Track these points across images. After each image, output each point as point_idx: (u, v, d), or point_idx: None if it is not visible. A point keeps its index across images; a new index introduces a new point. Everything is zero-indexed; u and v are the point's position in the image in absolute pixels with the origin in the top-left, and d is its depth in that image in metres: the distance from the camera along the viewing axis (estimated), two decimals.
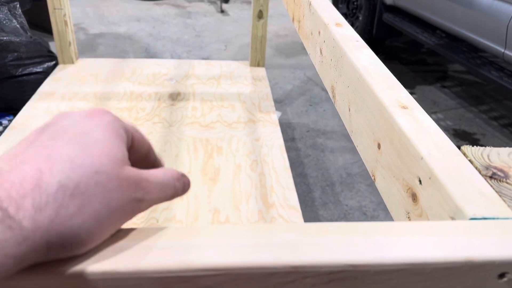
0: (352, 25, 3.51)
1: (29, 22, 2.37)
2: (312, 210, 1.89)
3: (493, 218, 0.27)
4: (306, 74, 3.18)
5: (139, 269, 0.22)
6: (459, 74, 3.27)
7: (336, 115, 2.65)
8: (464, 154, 0.32)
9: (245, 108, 1.85)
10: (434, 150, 0.33)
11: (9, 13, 2.12)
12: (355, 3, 3.42)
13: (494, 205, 0.28)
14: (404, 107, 0.39)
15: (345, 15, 3.62)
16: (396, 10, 2.97)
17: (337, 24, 0.60)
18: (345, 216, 1.86)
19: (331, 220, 1.83)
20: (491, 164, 0.32)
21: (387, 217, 1.87)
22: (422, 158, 0.32)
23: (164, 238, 0.25)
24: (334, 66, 0.55)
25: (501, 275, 0.25)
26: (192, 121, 1.74)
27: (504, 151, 0.33)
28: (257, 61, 2.26)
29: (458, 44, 2.50)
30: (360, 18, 3.33)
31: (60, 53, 2.16)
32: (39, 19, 3.22)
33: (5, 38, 2.03)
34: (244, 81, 2.12)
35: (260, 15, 2.16)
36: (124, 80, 2.06)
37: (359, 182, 2.07)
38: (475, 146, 0.33)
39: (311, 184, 2.04)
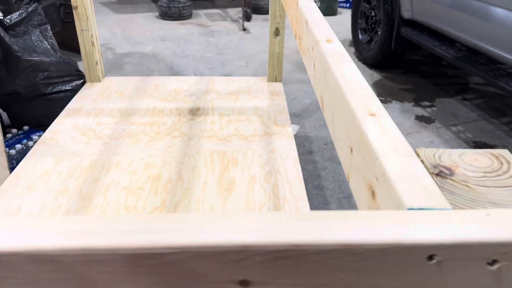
0: (371, 40, 3.54)
1: (59, 43, 2.51)
2: None
3: (429, 209, 0.30)
4: None
5: (113, 246, 0.27)
6: (480, 86, 3.24)
7: None
8: (418, 155, 0.35)
9: (261, 121, 1.90)
10: (390, 152, 0.37)
11: (40, 35, 2.26)
12: (374, 18, 3.45)
13: (433, 198, 0.31)
14: (372, 115, 0.43)
15: (364, 30, 3.65)
16: (414, 24, 2.98)
17: (328, 40, 0.64)
18: None
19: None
20: (440, 163, 0.35)
21: None
22: (377, 159, 0.35)
23: (138, 222, 0.30)
24: (323, 79, 0.60)
25: (430, 257, 0.28)
26: (210, 134, 1.80)
27: (456, 152, 0.36)
28: (275, 77, 2.32)
29: (476, 56, 2.49)
30: (379, 32, 3.36)
31: (88, 72, 2.28)
32: (69, 40, 3.39)
33: (36, 58, 2.16)
34: (262, 96, 2.17)
35: (277, 32, 2.22)
36: (147, 97, 2.15)
37: None
38: (429, 148, 0.36)
39: (328, 196, 2.06)
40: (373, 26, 3.49)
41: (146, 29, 4.60)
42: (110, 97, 2.14)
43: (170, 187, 1.49)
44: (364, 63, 3.67)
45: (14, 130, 2.16)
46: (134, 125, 1.88)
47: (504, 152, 0.37)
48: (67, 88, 2.31)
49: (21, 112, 2.23)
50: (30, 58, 2.14)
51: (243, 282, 0.29)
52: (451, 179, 0.33)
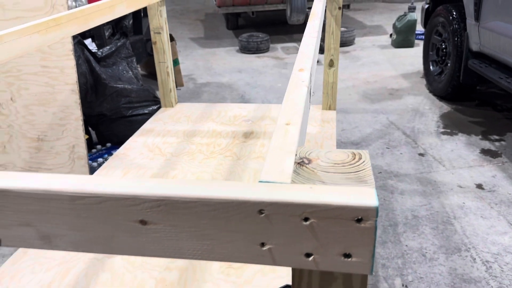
0: (442, 72, 3.49)
1: (148, 73, 2.88)
2: None
3: (272, 182, 0.43)
4: (389, 118, 3.24)
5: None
6: None
7: (412, 159, 2.66)
8: (296, 152, 0.47)
9: (307, 146, 2.03)
10: (278, 148, 0.50)
11: (126, 65, 2.64)
12: (445, 50, 3.42)
13: (281, 176, 0.44)
14: (288, 124, 0.56)
15: (435, 62, 3.62)
16: (482, 57, 2.91)
17: (300, 70, 0.78)
18: (402, 255, 1.88)
19: (388, 259, 1.87)
20: (306, 157, 0.47)
21: (447, 260, 1.83)
22: (268, 152, 0.49)
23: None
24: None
25: (260, 211, 0.41)
26: (258, 155, 1.97)
27: (325, 150, 0.48)
28: (329, 105, 2.43)
29: None
30: (449, 64, 3.31)
31: (163, 98, 2.59)
32: (153, 69, 3.83)
33: (121, 85, 2.52)
34: (313, 123, 2.30)
35: (331, 63, 2.35)
36: (210, 121, 2.39)
37: (424, 225, 2.07)
38: (308, 148, 0.48)
39: None
40: (443, 58, 3.45)
41: (226, 62, 4.97)
42: (179, 120, 2.42)
43: None
44: (434, 94, 3.62)
45: (99, 146, 2.51)
46: (194, 144, 2.11)
47: (364, 152, 0.48)
48: (145, 111, 2.64)
49: (106, 131, 2.60)
50: (116, 85, 2.51)
51: (142, 221, 0.44)
52: (306, 167, 0.45)
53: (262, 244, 0.43)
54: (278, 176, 0.44)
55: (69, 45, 2.13)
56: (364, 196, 0.40)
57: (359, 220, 0.40)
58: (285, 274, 1.31)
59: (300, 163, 0.46)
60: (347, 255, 0.42)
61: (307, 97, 0.68)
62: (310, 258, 0.42)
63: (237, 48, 5.50)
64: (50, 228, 0.45)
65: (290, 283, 1.26)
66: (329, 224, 0.40)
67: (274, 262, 0.44)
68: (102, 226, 0.44)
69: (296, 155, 0.48)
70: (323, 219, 0.40)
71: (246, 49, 5.24)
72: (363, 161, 0.46)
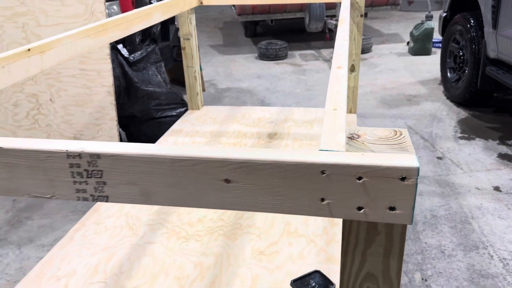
0: (459, 78, 3.56)
1: (170, 78, 3.02)
2: None
3: (331, 150, 0.53)
4: (407, 123, 3.32)
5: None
6: None
7: (430, 162, 2.73)
8: (346, 130, 0.58)
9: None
10: (331, 128, 0.60)
11: (156, 70, 2.78)
12: (462, 57, 3.49)
13: (337, 146, 0.54)
14: (335, 109, 0.67)
15: (453, 69, 3.69)
16: (499, 63, 2.98)
17: (338, 67, 0.89)
18: (422, 252, 1.96)
19: (408, 255, 1.95)
20: (355, 133, 0.57)
21: (465, 256, 1.91)
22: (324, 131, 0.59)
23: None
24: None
25: (322, 172, 0.52)
26: None
27: (371, 128, 0.58)
28: (349, 108, 2.53)
29: None
30: (466, 71, 3.39)
31: (190, 101, 2.72)
32: (177, 76, 3.98)
33: (151, 89, 2.66)
34: None
35: (352, 68, 2.45)
36: (235, 123, 2.50)
37: (443, 224, 2.14)
38: (357, 126, 0.58)
39: None
40: (461, 65, 3.53)
41: (245, 68, 5.11)
42: (205, 122, 2.54)
43: None
44: (452, 101, 3.69)
45: None
46: (221, 144, 2.23)
47: (404, 130, 0.58)
48: (173, 114, 2.77)
49: (136, 132, 2.73)
50: (146, 89, 2.65)
51: (226, 180, 0.55)
52: (356, 140, 0.55)
53: (322, 200, 0.54)
54: (335, 146, 0.55)
55: (106, 50, 2.27)
56: (407, 159, 0.50)
57: (403, 179, 0.50)
58: (312, 261, 1.41)
59: (351, 137, 0.57)
60: (392, 208, 0.52)
61: (347, 89, 0.78)
62: (361, 211, 0.53)
63: (256, 55, 5.64)
64: (152, 186, 0.56)
65: (318, 269, 1.36)
66: (379, 182, 0.51)
67: (331, 214, 0.54)
68: (194, 184, 0.55)
69: (346, 131, 0.59)
70: (374, 178, 0.51)
71: (264, 56, 5.37)
72: (404, 136, 0.56)
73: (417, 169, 0.49)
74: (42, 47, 1.24)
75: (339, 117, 0.63)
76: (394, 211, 0.52)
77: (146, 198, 0.58)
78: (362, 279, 0.60)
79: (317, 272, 1.35)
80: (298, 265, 1.39)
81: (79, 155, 0.56)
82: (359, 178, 0.51)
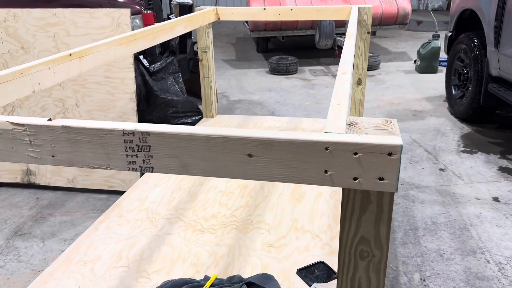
0: (463, 95, 3.69)
1: (186, 89, 3.19)
2: (391, 247, 2.14)
3: (333, 132, 0.67)
4: (411, 137, 3.44)
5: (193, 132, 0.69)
6: None
7: (433, 173, 2.85)
8: (347, 119, 0.72)
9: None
10: (335, 117, 0.75)
11: (173, 80, 2.95)
12: (466, 75, 3.63)
13: (338, 130, 0.68)
14: (339, 104, 0.81)
15: (457, 86, 3.82)
16: (501, 81, 3.11)
17: (343, 73, 1.03)
18: (421, 255, 2.07)
19: (408, 257, 2.06)
20: (354, 121, 0.71)
21: (463, 260, 2.01)
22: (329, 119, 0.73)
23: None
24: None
25: (326, 148, 0.66)
26: None
27: (366, 118, 0.71)
28: None
29: None
30: (470, 88, 3.52)
31: (205, 109, 2.88)
32: (192, 87, 4.15)
33: (169, 97, 2.83)
34: None
35: (359, 82, 2.60)
36: None
37: (443, 230, 2.25)
38: (353, 117, 0.72)
39: (395, 226, 2.29)
40: (465, 82, 3.66)
41: (256, 82, 5.28)
42: None
43: (254, 194, 1.91)
44: (456, 116, 3.81)
45: None
46: None
47: (393, 119, 0.71)
48: (189, 121, 2.92)
49: None
50: (165, 97, 2.81)
51: (249, 155, 0.69)
52: (354, 126, 0.69)
53: (326, 171, 0.67)
54: (337, 130, 0.69)
55: (130, 59, 2.45)
56: (393, 139, 0.64)
57: (390, 154, 0.64)
58: (317, 253, 1.53)
59: (350, 124, 0.71)
60: (381, 178, 0.66)
61: (350, 90, 0.93)
62: (357, 181, 0.67)
63: (267, 69, 5.82)
64: (189, 159, 0.71)
65: (322, 260, 1.48)
66: (370, 157, 0.65)
67: (332, 183, 0.68)
68: (223, 157, 0.69)
69: (346, 120, 0.73)
70: (367, 153, 0.65)
71: (275, 71, 5.55)
72: (393, 124, 0.70)
73: (401, 146, 0.63)
74: (81, 53, 1.41)
75: (342, 110, 0.77)
76: (382, 181, 0.66)
77: (184, 169, 0.72)
78: (357, 242, 0.74)
79: (321, 262, 1.48)
80: (304, 256, 1.51)
81: (133, 132, 0.71)
82: (355, 154, 0.65)
